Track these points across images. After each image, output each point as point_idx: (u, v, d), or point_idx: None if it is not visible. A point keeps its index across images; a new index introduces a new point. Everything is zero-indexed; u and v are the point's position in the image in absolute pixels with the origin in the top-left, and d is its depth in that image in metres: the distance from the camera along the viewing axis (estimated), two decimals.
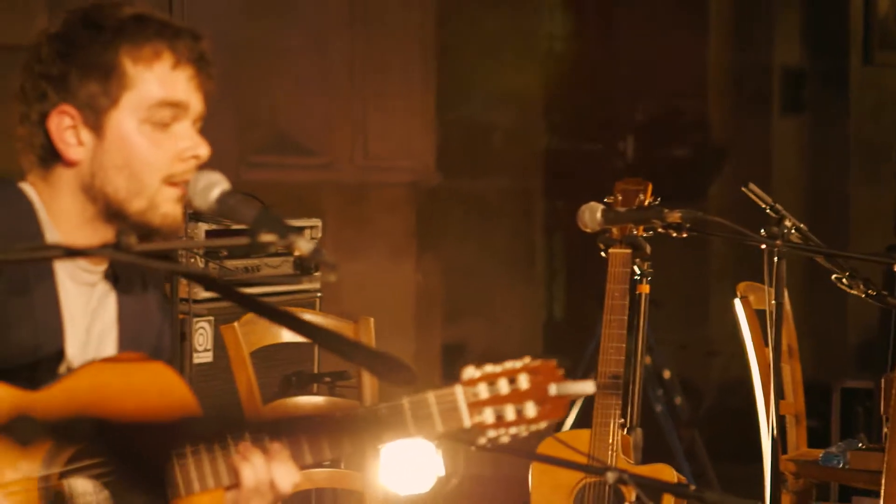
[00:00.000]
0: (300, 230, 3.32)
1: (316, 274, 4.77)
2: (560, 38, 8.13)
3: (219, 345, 4.32)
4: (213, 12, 5.83)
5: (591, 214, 3.47)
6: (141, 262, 2.37)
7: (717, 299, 8.21)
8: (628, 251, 3.76)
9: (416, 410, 2.56)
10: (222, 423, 0.97)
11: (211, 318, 4.43)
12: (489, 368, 2.63)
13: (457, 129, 7.27)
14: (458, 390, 2.58)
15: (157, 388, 2.53)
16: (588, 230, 3.56)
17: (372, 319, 3.58)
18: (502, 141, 7.60)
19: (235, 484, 2.49)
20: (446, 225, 7.20)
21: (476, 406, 2.59)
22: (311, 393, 4.47)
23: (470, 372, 2.62)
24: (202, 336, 4.40)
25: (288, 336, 3.55)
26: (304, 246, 2.46)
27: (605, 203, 3.64)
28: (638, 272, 3.82)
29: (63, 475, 2.42)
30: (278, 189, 6.07)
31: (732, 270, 8.00)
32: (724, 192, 7.90)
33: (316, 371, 4.62)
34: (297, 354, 4.56)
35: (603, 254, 3.80)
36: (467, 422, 2.58)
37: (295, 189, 6.35)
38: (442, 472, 4.83)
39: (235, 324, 3.48)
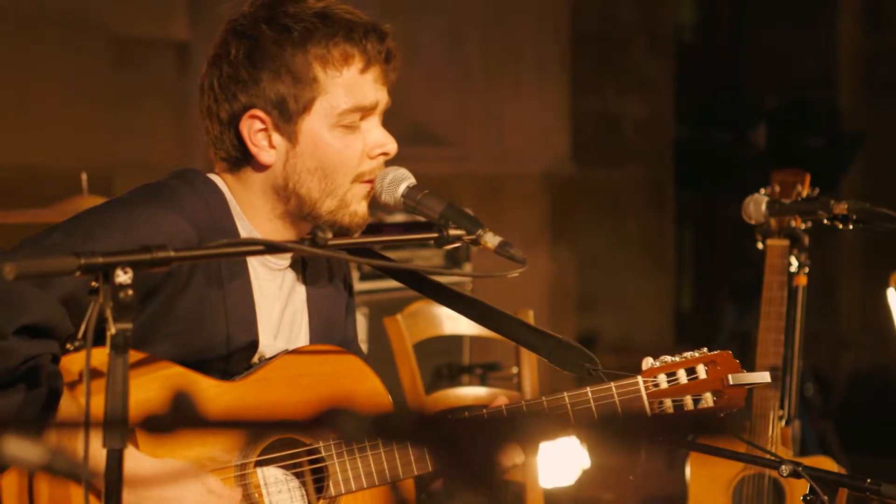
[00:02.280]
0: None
1: (467, 266, 4.79)
2: (689, 28, 8.09)
3: (373, 336, 4.35)
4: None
5: (757, 206, 3.45)
6: (338, 257, 2.43)
7: (846, 290, 8.12)
8: (786, 242, 3.74)
9: (599, 400, 2.59)
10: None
11: (366, 309, 4.47)
12: (668, 359, 2.65)
13: (589, 120, 7.26)
14: (640, 380, 2.61)
15: (349, 379, 2.58)
16: (752, 222, 3.54)
17: (531, 311, 3.59)
18: (634, 131, 7.58)
19: None
20: (579, 215, 7.20)
21: (656, 396, 2.61)
22: (461, 384, 4.50)
23: (649, 362, 2.64)
24: (358, 327, 4.43)
25: (449, 328, 3.59)
26: (491, 240, 2.50)
27: (766, 194, 3.62)
28: (795, 264, 3.79)
29: (258, 464, 2.48)
30: None
31: (861, 261, 7.91)
32: (856, 181, 7.81)
33: (466, 362, 4.64)
34: (447, 346, 4.58)
35: (760, 245, 3.79)
36: (648, 411, 2.60)
37: (430, 181, 6.37)
38: (587, 464, 4.83)
39: (398, 316, 3.51)
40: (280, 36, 2.52)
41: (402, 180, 2.55)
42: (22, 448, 1.31)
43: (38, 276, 2.11)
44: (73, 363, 2.36)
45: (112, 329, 2.11)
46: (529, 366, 3.63)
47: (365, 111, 2.56)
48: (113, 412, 2.08)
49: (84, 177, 3.66)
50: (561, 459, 4.77)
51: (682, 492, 3.80)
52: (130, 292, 2.10)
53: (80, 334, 2.11)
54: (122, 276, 2.11)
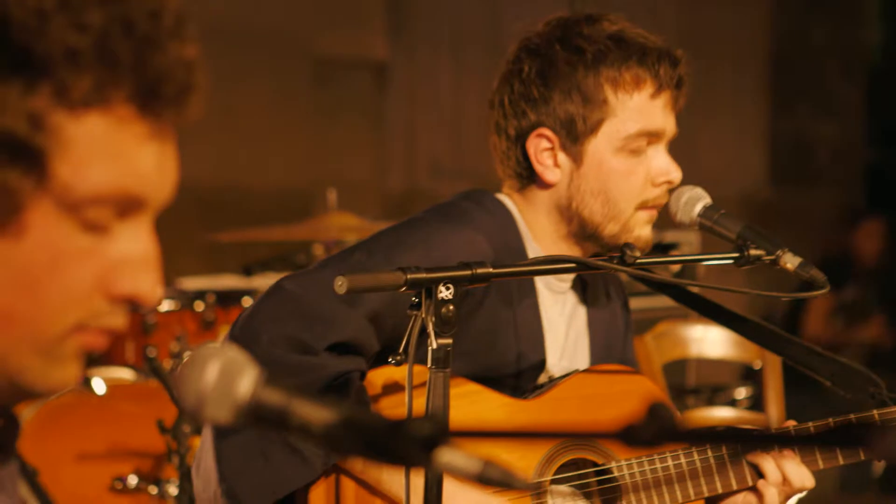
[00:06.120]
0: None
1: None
2: (879, 49, 7.96)
3: None
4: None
5: None
6: (641, 276, 2.41)
7: None
8: None
9: (886, 422, 2.54)
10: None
11: None
12: None
13: (785, 143, 7.17)
14: None
15: (639, 400, 2.56)
16: None
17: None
18: (826, 154, 7.47)
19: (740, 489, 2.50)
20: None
21: None
22: (686, 406, 4.44)
23: None
24: None
25: (695, 349, 3.55)
26: (791, 260, 2.47)
27: None
28: None
29: (552, 483, 2.47)
30: None
31: None
32: None
33: (691, 384, 4.58)
34: (670, 367, 4.52)
35: None
36: None
37: None
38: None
39: (647, 336, 3.48)
40: (573, 56, 2.50)
41: (698, 200, 2.53)
42: (457, 458, 1.30)
43: (366, 290, 2.12)
44: (377, 377, 2.37)
45: (434, 344, 2.13)
46: (775, 388, 3.58)
47: (652, 137, 2.53)
48: None
49: (332, 194, 3.69)
50: None
51: None
52: (452, 308, 2.12)
53: (401, 348, 2.13)
54: (445, 292, 2.12)
